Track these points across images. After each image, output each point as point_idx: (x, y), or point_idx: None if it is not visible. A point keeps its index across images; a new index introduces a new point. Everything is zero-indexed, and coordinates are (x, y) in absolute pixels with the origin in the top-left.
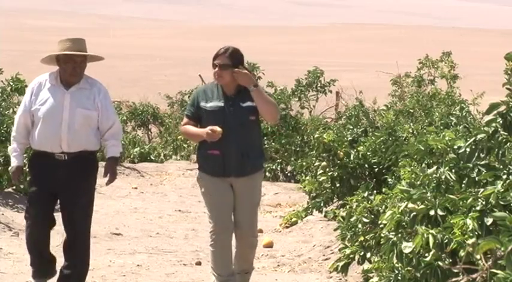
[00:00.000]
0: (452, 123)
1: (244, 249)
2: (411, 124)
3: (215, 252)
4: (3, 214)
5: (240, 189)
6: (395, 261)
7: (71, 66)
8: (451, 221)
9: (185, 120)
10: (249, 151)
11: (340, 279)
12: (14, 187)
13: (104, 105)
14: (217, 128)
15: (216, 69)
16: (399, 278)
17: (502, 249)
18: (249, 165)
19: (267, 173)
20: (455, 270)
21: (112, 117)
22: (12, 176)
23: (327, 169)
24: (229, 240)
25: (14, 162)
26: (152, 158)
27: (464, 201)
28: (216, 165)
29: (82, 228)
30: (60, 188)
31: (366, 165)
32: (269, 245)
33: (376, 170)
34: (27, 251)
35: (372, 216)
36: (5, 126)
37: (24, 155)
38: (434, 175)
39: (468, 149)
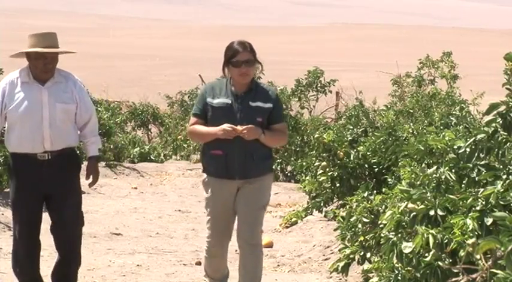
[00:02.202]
0: (452, 123)
1: (248, 256)
2: (411, 124)
3: (208, 259)
4: (3, 214)
5: (246, 192)
6: (395, 261)
7: (42, 63)
8: (451, 221)
9: (193, 119)
10: (253, 152)
11: (340, 279)
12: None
13: (81, 97)
14: (238, 127)
15: (242, 66)
16: (399, 278)
17: (502, 249)
18: (253, 167)
19: None
20: (455, 270)
21: (90, 109)
22: None
23: (327, 169)
24: (224, 251)
25: None
26: (152, 158)
27: (464, 201)
28: (219, 166)
29: (73, 228)
30: (47, 190)
31: (366, 165)
32: (269, 245)
33: (376, 170)
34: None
35: (372, 216)
36: None
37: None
38: (434, 175)
39: (468, 149)
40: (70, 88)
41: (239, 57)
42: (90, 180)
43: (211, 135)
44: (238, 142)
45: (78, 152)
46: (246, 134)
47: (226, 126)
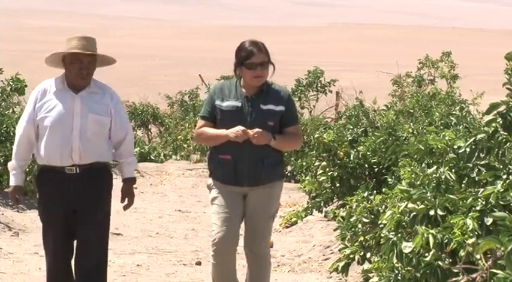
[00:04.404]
0: (452, 123)
1: (255, 267)
2: (411, 124)
3: (216, 266)
4: (3, 214)
5: (254, 200)
6: (395, 261)
7: (77, 67)
8: (451, 221)
9: (200, 122)
10: (264, 158)
11: (340, 279)
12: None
13: (117, 112)
14: (250, 131)
15: (257, 69)
16: (399, 278)
17: (502, 249)
18: (263, 173)
19: None
20: (455, 270)
21: (125, 126)
22: (10, 196)
23: (327, 169)
24: (233, 254)
25: (12, 182)
26: (152, 158)
27: (464, 201)
28: (227, 172)
29: (97, 248)
30: (74, 206)
31: (366, 165)
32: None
33: (376, 170)
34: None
35: (372, 216)
36: (4, 126)
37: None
38: (434, 175)
39: (468, 149)
40: (105, 101)
41: (254, 59)
42: (125, 203)
43: (222, 138)
44: (248, 147)
45: (111, 169)
46: (255, 138)
47: (238, 128)
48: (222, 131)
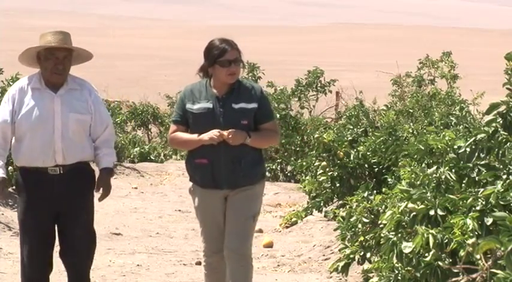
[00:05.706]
0: (452, 123)
1: (234, 270)
2: (411, 124)
3: (207, 275)
4: (3, 214)
5: (235, 202)
6: (395, 261)
7: (52, 63)
8: (451, 221)
9: (173, 127)
10: (241, 158)
11: (340, 279)
12: (14, 187)
13: (96, 108)
14: (224, 132)
15: (232, 66)
16: (399, 278)
17: (502, 249)
18: (241, 174)
19: (267, 173)
20: (455, 270)
21: (106, 120)
22: None
23: (327, 169)
24: (223, 263)
25: None
26: (152, 158)
27: (464, 201)
28: (205, 176)
29: (84, 251)
30: (58, 208)
31: (366, 165)
32: (269, 245)
33: (376, 170)
34: None
35: (372, 216)
36: None
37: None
38: (434, 175)
39: (468, 149)
40: (85, 97)
41: (228, 56)
42: (100, 194)
43: (195, 143)
44: (223, 148)
45: (92, 168)
46: (230, 139)
47: (214, 131)
48: (195, 136)
